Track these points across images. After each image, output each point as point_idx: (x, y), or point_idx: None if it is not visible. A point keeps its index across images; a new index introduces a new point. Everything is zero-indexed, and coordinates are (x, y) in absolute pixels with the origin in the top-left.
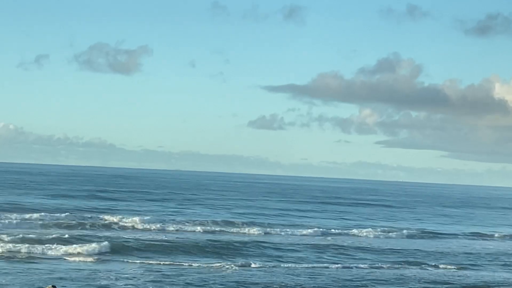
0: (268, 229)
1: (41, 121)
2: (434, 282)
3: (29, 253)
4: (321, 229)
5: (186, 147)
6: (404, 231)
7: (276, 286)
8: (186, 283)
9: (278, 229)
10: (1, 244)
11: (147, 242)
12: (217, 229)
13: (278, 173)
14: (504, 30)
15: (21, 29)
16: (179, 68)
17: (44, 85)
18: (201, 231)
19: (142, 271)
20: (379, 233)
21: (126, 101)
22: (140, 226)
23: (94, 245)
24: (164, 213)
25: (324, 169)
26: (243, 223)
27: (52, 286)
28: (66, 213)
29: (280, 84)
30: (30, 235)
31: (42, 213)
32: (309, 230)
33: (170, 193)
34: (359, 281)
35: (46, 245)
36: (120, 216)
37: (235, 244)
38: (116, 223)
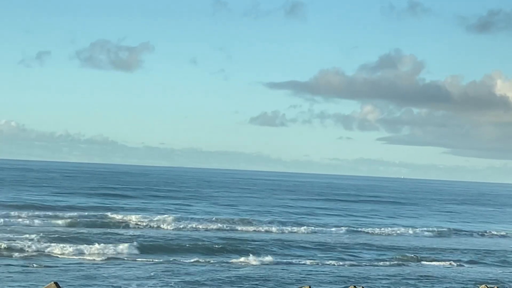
0: (293, 228)
1: (43, 118)
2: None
3: (51, 252)
4: (348, 228)
5: (187, 143)
6: (433, 229)
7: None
8: (196, 280)
9: (301, 228)
10: (21, 243)
11: (171, 241)
12: (250, 228)
13: (279, 170)
14: (505, 26)
15: (22, 26)
16: (181, 65)
17: (45, 82)
18: (223, 228)
19: (156, 270)
20: (409, 231)
21: (127, 98)
22: (165, 226)
23: (122, 245)
24: (185, 211)
25: (325, 165)
26: (267, 222)
27: (54, 283)
28: (87, 212)
29: (282, 81)
30: (54, 234)
31: (63, 212)
32: (335, 229)
33: (188, 191)
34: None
35: (69, 244)
36: (143, 215)
37: (256, 242)
38: (139, 222)
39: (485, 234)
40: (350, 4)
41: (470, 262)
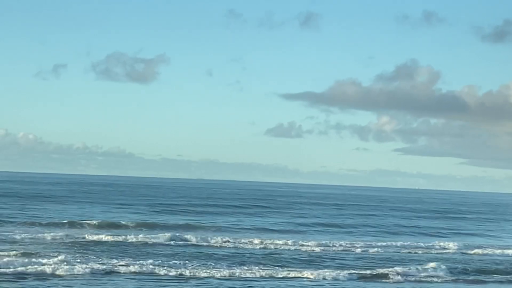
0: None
1: (60, 130)
2: None
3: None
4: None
5: (204, 155)
6: None
7: None
8: None
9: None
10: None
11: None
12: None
13: (297, 181)
14: None
15: (38, 39)
16: (196, 76)
17: (62, 94)
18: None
19: None
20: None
21: (144, 110)
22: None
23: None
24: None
25: (343, 176)
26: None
27: None
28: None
29: (297, 92)
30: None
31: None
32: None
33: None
34: None
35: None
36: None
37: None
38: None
39: None
40: (364, 14)
41: None
